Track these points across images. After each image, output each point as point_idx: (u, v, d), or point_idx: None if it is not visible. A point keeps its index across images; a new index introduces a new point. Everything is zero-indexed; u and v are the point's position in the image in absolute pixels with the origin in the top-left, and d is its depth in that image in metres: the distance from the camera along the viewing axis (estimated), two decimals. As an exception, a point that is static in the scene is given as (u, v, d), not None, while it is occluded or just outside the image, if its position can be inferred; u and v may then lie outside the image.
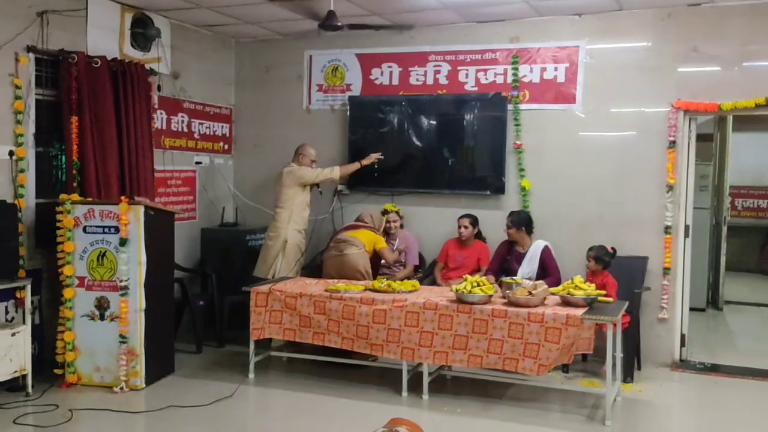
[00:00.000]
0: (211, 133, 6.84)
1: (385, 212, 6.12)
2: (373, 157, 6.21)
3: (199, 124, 6.67)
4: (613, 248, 5.26)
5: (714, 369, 5.55)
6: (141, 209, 4.83)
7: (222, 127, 6.99)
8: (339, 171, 6.08)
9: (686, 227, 5.66)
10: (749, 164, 10.99)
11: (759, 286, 9.92)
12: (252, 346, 5.15)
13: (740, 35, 5.36)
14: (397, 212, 6.15)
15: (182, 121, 6.45)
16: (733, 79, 5.40)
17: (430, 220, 6.23)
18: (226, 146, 7.06)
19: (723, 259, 8.21)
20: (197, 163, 6.66)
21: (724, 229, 8.23)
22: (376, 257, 5.84)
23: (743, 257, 10.71)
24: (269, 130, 6.99)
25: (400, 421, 1.35)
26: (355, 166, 6.18)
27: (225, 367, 5.43)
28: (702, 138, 6.45)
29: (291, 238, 5.82)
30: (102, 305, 4.88)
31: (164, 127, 6.22)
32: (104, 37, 5.52)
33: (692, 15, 5.48)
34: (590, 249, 5.25)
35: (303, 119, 6.85)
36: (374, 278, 5.41)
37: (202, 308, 5.97)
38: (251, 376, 5.14)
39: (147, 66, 5.78)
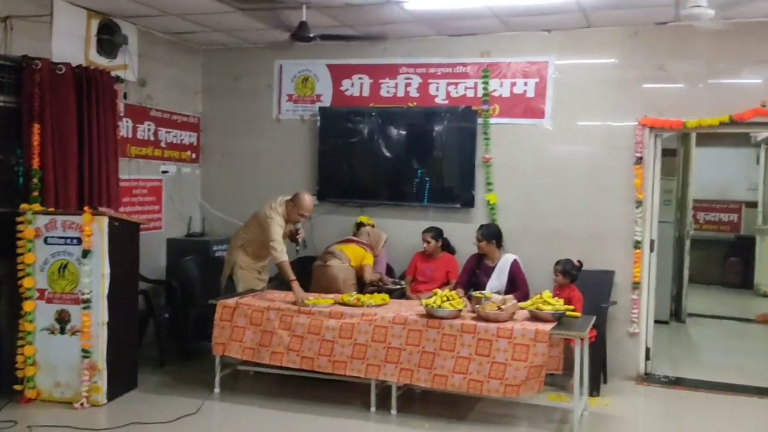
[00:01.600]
0: (179, 142, 6.73)
1: (360, 225, 6.07)
2: (300, 297, 5.00)
3: (166, 132, 6.56)
4: (579, 261, 5.31)
5: (678, 382, 5.62)
6: (105, 220, 4.71)
7: (189, 135, 6.88)
8: (278, 258, 5.18)
9: (651, 242, 5.75)
10: (712, 179, 11.24)
11: (721, 298, 10.13)
12: (217, 360, 5.06)
13: (706, 54, 5.47)
14: (372, 225, 6.09)
15: (149, 130, 6.34)
16: (698, 97, 5.50)
17: (400, 233, 6.20)
18: (194, 155, 6.96)
19: (686, 272, 8.35)
20: (164, 172, 6.55)
21: (687, 242, 8.37)
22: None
23: (706, 270, 10.92)
24: (238, 139, 6.91)
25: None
26: (289, 275, 5.13)
27: (190, 381, 5.31)
28: (666, 153, 6.58)
29: (242, 262, 5.59)
30: (63, 318, 4.74)
31: (130, 136, 6.10)
32: (70, 43, 5.40)
33: (659, 33, 5.58)
34: (557, 263, 5.29)
35: (272, 129, 6.79)
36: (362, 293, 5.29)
37: (167, 320, 5.86)
38: (216, 390, 5.05)
39: (113, 73, 5.67)
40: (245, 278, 5.63)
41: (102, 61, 5.69)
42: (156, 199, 6.47)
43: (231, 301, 5.06)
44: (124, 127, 6.00)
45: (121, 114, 5.91)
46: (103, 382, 4.72)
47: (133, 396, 4.96)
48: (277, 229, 5.27)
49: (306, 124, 6.67)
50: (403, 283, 5.95)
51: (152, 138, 6.39)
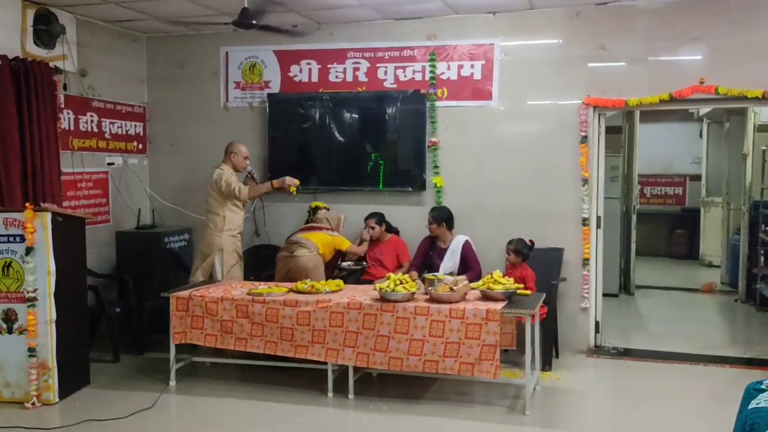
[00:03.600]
0: (124, 133, 6.59)
1: (316, 209, 6.06)
2: (288, 181, 5.70)
3: (111, 123, 6.41)
4: (531, 241, 5.42)
5: (627, 353, 5.81)
6: (48, 216, 4.60)
7: (135, 126, 6.75)
8: (246, 193, 5.61)
9: (598, 218, 5.89)
10: (657, 154, 11.56)
11: (667, 269, 10.47)
12: (173, 352, 5.01)
13: (645, 33, 5.60)
14: (327, 208, 6.08)
15: (91, 121, 6.19)
16: (639, 75, 5.63)
17: (355, 218, 6.20)
18: (140, 146, 6.82)
19: (633, 246, 8.59)
20: (109, 164, 6.41)
21: (634, 217, 8.60)
22: (335, 259, 5.86)
23: (653, 243, 11.26)
24: (185, 128, 6.81)
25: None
26: (266, 187, 5.72)
27: (145, 375, 5.26)
28: (611, 130, 6.74)
29: (226, 244, 5.62)
30: (9, 318, 4.63)
31: (72, 128, 5.95)
32: (5, 34, 5.21)
33: (600, 14, 5.67)
34: (510, 242, 5.39)
35: (220, 117, 6.70)
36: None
37: (119, 315, 5.77)
38: (173, 383, 5.01)
39: (52, 64, 5.51)
40: (228, 261, 5.62)
41: (40, 52, 5.52)
42: (102, 192, 6.34)
43: (184, 293, 5.01)
44: (66, 119, 5.85)
45: (62, 106, 5.75)
46: (54, 380, 4.63)
47: (87, 393, 4.89)
48: (232, 177, 5.60)
49: (255, 111, 6.61)
50: (364, 264, 6.00)
51: (96, 129, 6.24)
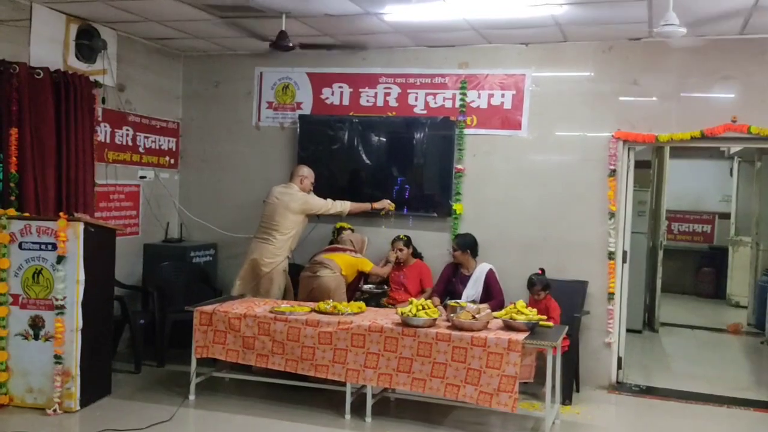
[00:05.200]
0: (157, 147, 6.72)
1: (340, 230, 6.09)
2: (386, 203, 6.04)
3: (145, 137, 6.55)
4: (541, 269, 5.37)
5: (649, 391, 5.71)
6: (80, 226, 4.70)
7: (168, 141, 6.88)
8: (350, 207, 5.90)
9: (624, 253, 5.84)
10: (686, 190, 11.43)
11: (693, 307, 10.29)
12: (194, 366, 5.06)
13: (678, 69, 5.59)
14: (351, 230, 6.11)
15: (127, 135, 6.33)
16: (670, 111, 5.61)
17: (377, 240, 6.23)
18: (172, 161, 6.95)
19: (659, 281, 8.49)
20: (141, 177, 6.53)
21: (660, 252, 8.51)
22: (357, 281, 5.89)
23: (679, 280, 11.09)
24: (217, 145, 6.92)
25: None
26: (366, 206, 6.00)
27: (165, 388, 5.31)
28: (640, 164, 6.71)
29: (284, 265, 5.74)
30: (37, 324, 4.72)
31: (108, 141, 6.09)
32: (48, 47, 5.38)
33: (632, 48, 5.69)
34: (531, 285, 5.33)
35: (252, 136, 6.80)
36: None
37: (143, 327, 5.84)
38: (192, 397, 5.05)
39: (91, 78, 5.67)
40: (280, 279, 5.73)
41: (81, 66, 5.68)
42: (133, 205, 6.45)
43: (208, 308, 5.07)
44: (102, 132, 5.99)
45: (99, 119, 5.90)
46: (76, 389, 4.69)
47: (107, 402, 4.94)
48: (317, 199, 5.84)
49: (285, 132, 6.70)
50: (385, 287, 6.01)
51: (130, 143, 6.37)
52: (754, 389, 5.91)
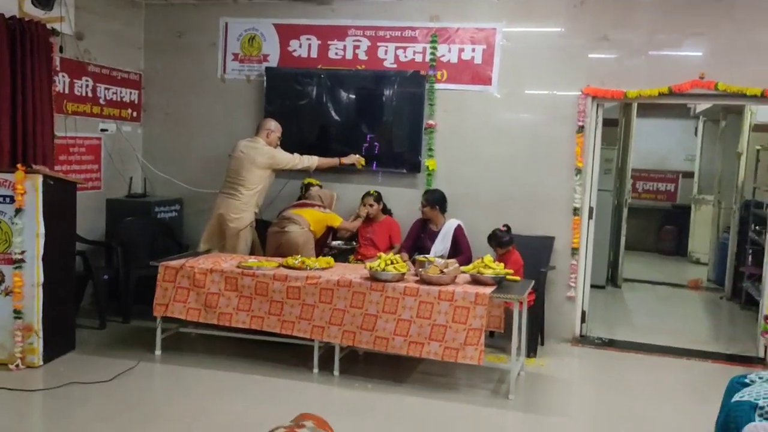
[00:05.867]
0: (119, 99, 6.52)
1: (308, 186, 6.03)
2: (355, 158, 5.99)
3: (105, 89, 6.34)
4: (506, 225, 5.39)
5: (611, 344, 5.85)
6: (39, 178, 4.56)
7: (130, 93, 6.68)
8: (318, 163, 5.84)
9: (590, 209, 5.90)
10: (651, 149, 11.57)
11: (655, 264, 10.53)
12: (159, 320, 5.00)
13: (648, 25, 5.58)
14: (320, 186, 6.04)
15: (86, 86, 6.12)
16: (639, 68, 5.62)
17: (346, 196, 6.18)
18: (135, 113, 6.76)
19: (623, 239, 8.63)
20: (103, 130, 6.35)
21: (625, 210, 8.64)
22: (326, 237, 5.87)
23: (642, 237, 11.31)
24: (181, 98, 6.74)
25: (307, 416, 1.33)
26: (334, 162, 5.94)
27: (130, 343, 5.26)
28: (608, 123, 6.73)
29: (250, 220, 5.65)
30: (-4, 279, 4.61)
31: (67, 91, 5.88)
32: (1, -8, 5.13)
33: (603, 4, 5.65)
34: (489, 240, 5.35)
35: (217, 88, 6.64)
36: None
37: (107, 282, 5.75)
38: (158, 352, 5.01)
39: (48, 26, 5.43)
40: (247, 234, 5.66)
41: (37, 13, 5.42)
42: (95, 158, 6.28)
43: (175, 263, 5.00)
44: (61, 83, 5.77)
45: (57, 68, 5.68)
46: (39, 344, 4.62)
47: (71, 357, 4.88)
48: (284, 154, 5.71)
49: (252, 85, 6.55)
50: (354, 243, 5.98)
51: (90, 94, 6.17)
52: (711, 342, 6.09)
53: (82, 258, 5.60)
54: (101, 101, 6.30)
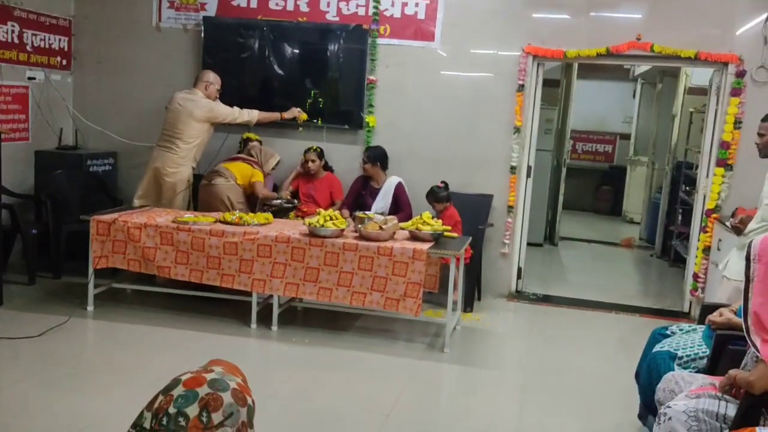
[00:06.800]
0: (47, 46, 6.21)
1: (247, 141, 5.90)
2: (296, 112, 5.89)
3: (33, 35, 6.02)
4: (443, 182, 5.42)
5: (546, 300, 6.02)
6: (-41, 127, 4.33)
7: (60, 40, 6.36)
8: (258, 117, 5.71)
9: (529, 168, 5.99)
10: (591, 111, 11.79)
11: (591, 224, 10.83)
12: (91, 275, 4.88)
13: (589, -15, 5.62)
14: (259, 141, 5.91)
15: (12, 31, 5.79)
16: (579, 28, 5.66)
17: (288, 152, 6.08)
18: (65, 62, 6.45)
19: (561, 198, 8.83)
20: (30, 78, 6.04)
21: (564, 170, 8.81)
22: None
23: (579, 197, 11.59)
24: (114, 46, 6.46)
25: (217, 362, 1.31)
26: (275, 116, 5.82)
27: (61, 299, 5.12)
28: (549, 83, 6.80)
29: (187, 175, 5.51)
30: None
31: (-10, 37, 5.57)
32: None
33: (547, -38, 5.65)
34: (427, 196, 5.37)
35: (152, 37, 6.38)
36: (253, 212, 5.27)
37: (36, 237, 5.55)
38: (90, 308, 4.90)
39: (-33, -36, 5.11)
40: (184, 189, 5.53)
41: (-47, -51, 5.09)
42: (22, 108, 5.99)
43: (107, 217, 4.86)
44: (-17, 27, 5.47)
45: (-22, 11, 5.36)
46: (-37, 300, 4.46)
47: (-1, 314, 4.74)
48: (224, 107, 5.59)
49: (189, 34, 6.32)
50: (295, 201, 5.91)
51: (16, 41, 5.84)
52: (640, 297, 6.34)
53: (9, 212, 5.39)
54: (28, 48, 5.98)
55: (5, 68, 5.75)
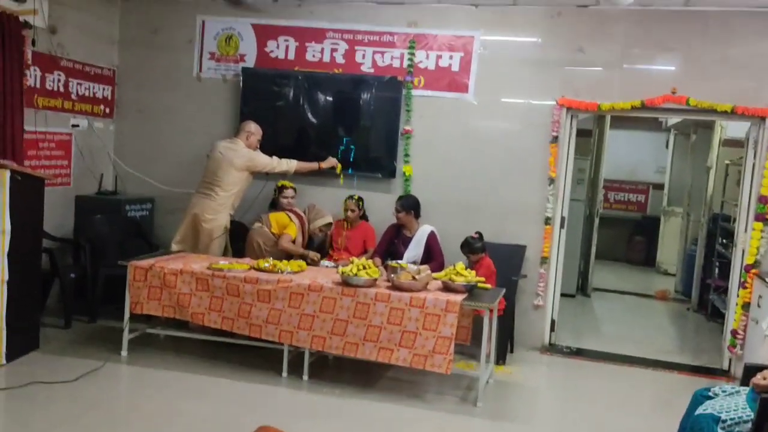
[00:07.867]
0: (91, 95, 6.42)
1: (282, 189, 5.97)
2: (333, 162, 5.99)
3: (78, 84, 6.24)
4: (477, 232, 5.40)
5: (579, 353, 5.91)
6: (7, 173, 4.47)
7: (103, 89, 6.58)
8: (296, 166, 5.82)
9: (562, 218, 5.95)
10: (623, 160, 11.73)
11: (624, 274, 10.66)
12: (126, 321, 4.93)
13: (622, 39, 5.65)
14: (293, 188, 5.97)
15: (58, 80, 6.01)
16: (613, 80, 5.69)
17: (321, 200, 6.13)
18: (107, 110, 6.66)
19: (594, 248, 8.73)
20: (74, 125, 6.24)
21: (597, 220, 8.74)
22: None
23: (612, 247, 11.45)
24: (155, 95, 6.66)
25: (266, 430, 1.32)
26: (313, 166, 5.91)
27: (96, 343, 5.17)
28: (581, 133, 6.80)
29: (225, 221, 5.62)
30: (-41, 275, 4.50)
31: (38, 86, 5.77)
32: (-28, -18, 5.03)
33: (580, 16, 5.71)
34: (462, 247, 5.36)
35: (192, 87, 6.57)
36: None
37: (74, 281, 5.65)
38: (124, 353, 4.94)
39: (21, 18, 5.32)
40: (221, 236, 5.64)
41: (10, 5, 5.30)
42: (65, 154, 6.17)
43: (145, 263, 4.93)
44: (32, 77, 5.67)
45: (29, 62, 5.56)
46: (1, 342, 4.52)
47: (35, 357, 4.78)
48: (263, 156, 5.71)
49: (228, 84, 6.50)
50: (312, 258, 5.88)
51: (62, 89, 6.06)
52: (677, 353, 6.18)
53: (48, 255, 5.50)
54: (73, 96, 6.20)
55: (51, 116, 5.95)
